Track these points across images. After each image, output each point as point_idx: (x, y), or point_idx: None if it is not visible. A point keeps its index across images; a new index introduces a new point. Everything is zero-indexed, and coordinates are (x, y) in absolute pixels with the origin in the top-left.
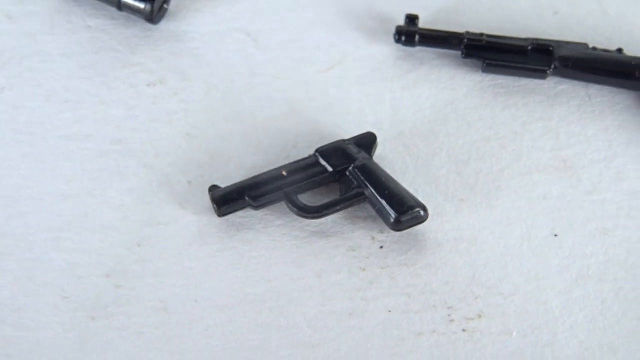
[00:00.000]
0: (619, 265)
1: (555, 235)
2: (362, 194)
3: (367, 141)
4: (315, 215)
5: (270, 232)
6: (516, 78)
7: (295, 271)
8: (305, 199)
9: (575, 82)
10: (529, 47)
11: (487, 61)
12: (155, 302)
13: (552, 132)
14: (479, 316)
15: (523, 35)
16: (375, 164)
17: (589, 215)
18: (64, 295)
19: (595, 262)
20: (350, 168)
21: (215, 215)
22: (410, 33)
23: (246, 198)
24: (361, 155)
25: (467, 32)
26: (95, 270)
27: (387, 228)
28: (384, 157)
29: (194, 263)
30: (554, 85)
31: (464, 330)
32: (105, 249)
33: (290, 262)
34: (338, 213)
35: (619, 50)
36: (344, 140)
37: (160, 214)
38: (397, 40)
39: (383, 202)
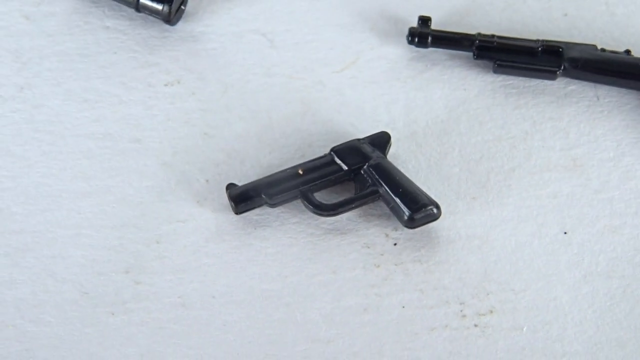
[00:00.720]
0: (627, 262)
1: (565, 233)
2: (377, 192)
3: (381, 140)
4: (331, 213)
5: (287, 230)
6: (527, 79)
7: (311, 268)
8: (321, 197)
9: (585, 83)
10: (539, 49)
11: (498, 62)
12: (174, 298)
13: (562, 131)
14: (491, 312)
15: (533, 37)
16: (390, 163)
17: (598, 214)
18: (83, 291)
19: (604, 259)
20: (365, 167)
21: (233, 213)
22: (423, 35)
23: (263, 196)
24: (375, 155)
25: (479, 34)
26: (114, 267)
27: (401, 226)
28: (398, 156)
29: (212, 260)
30: (563, 86)
31: (476, 325)
32: (124, 245)
33: (306, 258)
34: (353, 211)
35: (627, 51)
36: (358, 140)
37: (179, 212)
38: (410, 42)
39: (397, 200)
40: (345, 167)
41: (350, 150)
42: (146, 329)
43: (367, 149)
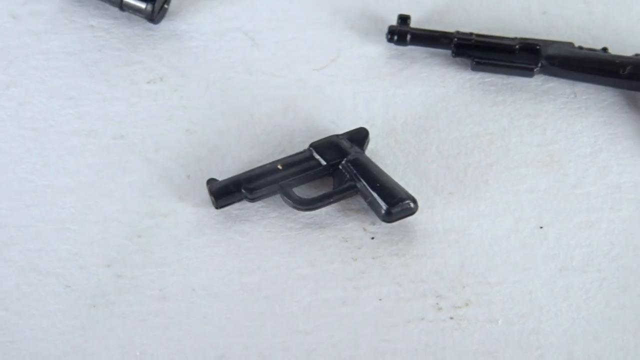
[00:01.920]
0: (603, 256)
1: (542, 227)
2: (355, 187)
3: (359, 136)
4: (310, 207)
5: (266, 224)
6: (505, 76)
7: (290, 261)
8: (300, 192)
9: (562, 80)
10: (517, 47)
11: (476, 60)
12: (155, 291)
13: (540, 128)
14: (467, 304)
15: (512, 35)
16: (368, 158)
17: (575, 209)
18: (66, 284)
19: (580, 253)
20: (344, 162)
21: (213, 208)
22: (402, 33)
23: (243, 191)
24: (354, 150)
25: (457, 32)
26: (96, 261)
27: (378, 220)
28: (377, 152)
29: (193, 253)
30: (541, 83)
31: (451, 318)
32: (106, 240)
33: (285, 252)
34: (331, 205)
35: (604, 49)
36: (337, 136)
37: (160, 207)
38: (390, 40)
39: (375, 194)
40: (323, 162)
41: (329, 146)
42: (127, 321)
43: (346, 144)
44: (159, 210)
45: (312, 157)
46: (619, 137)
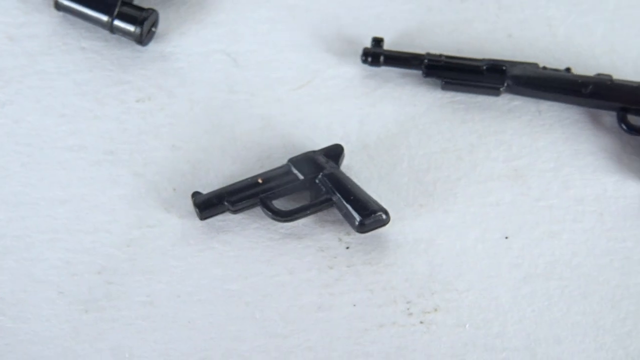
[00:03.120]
0: (565, 265)
1: (507, 237)
2: (330, 199)
3: (334, 152)
4: (288, 218)
5: (247, 234)
6: (473, 95)
7: (269, 269)
8: (279, 204)
9: (527, 99)
10: (484, 67)
11: (445, 80)
12: (143, 297)
13: (506, 144)
14: (436, 310)
15: (479, 57)
16: (342, 173)
17: (538, 220)
18: (59, 290)
19: (543, 262)
20: (320, 176)
21: (198, 219)
22: (376, 54)
23: (225, 203)
24: (329, 165)
25: (428, 54)
26: (88, 268)
27: (352, 231)
28: (351, 167)
29: (178, 262)
30: (507, 102)
31: (421, 322)
32: (97, 249)
33: (265, 261)
34: (308, 217)
35: (567, 69)
36: (314, 152)
37: (148, 218)
38: (364, 61)
39: (349, 207)
40: (301, 177)
41: (306, 161)
42: (117, 325)
43: (322, 160)
44: (147, 222)
45: (291, 172)
46: (582, 153)
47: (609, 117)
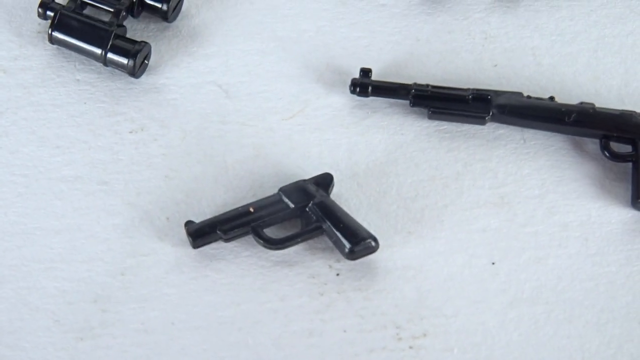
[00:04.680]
0: (551, 290)
1: (493, 263)
2: (321, 227)
3: (324, 181)
4: (279, 246)
5: (240, 262)
6: (459, 124)
7: (261, 296)
8: (270, 232)
9: (512, 127)
10: (470, 97)
11: (432, 109)
12: (137, 325)
13: (491, 172)
14: (424, 335)
15: (466, 86)
16: (332, 201)
17: (524, 246)
18: (55, 319)
19: (529, 287)
20: (310, 205)
21: (191, 248)
22: (364, 85)
23: (218, 232)
24: (319, 194)
25: (415, 84)
26: (83, 297)
27: (342, 258)
28: (340, 195)
29: (172, 290)
30: (493, 130)
31: (410, 347)
32: (92, 277)
33: (257, 288)
34: (299, 245)
35: (551, 98)
36: (304, 181)
37: (142, 247)
38: (353, 92)
39: (339, 234)
40: (292, 205)
41: (297, 190)
42: (112, 353)
43: (312, 188)
44: (141, 250)
45: (281, 201)
46: (566, 180)
47: (592, 145)
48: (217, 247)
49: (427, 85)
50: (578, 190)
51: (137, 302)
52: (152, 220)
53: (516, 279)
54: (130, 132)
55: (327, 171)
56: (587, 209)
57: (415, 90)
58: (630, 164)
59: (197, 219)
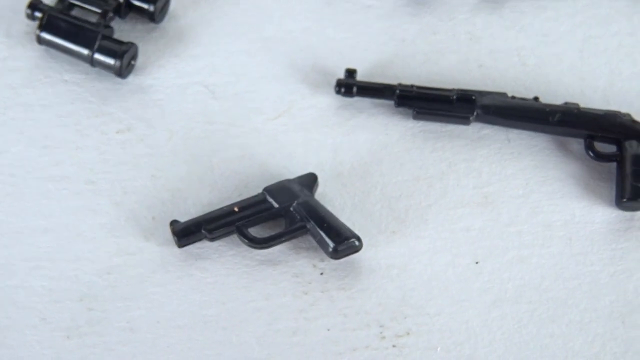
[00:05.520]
0: (534, 289)
1: (477, 262)
2: (305, 227)
3: (308, 181)
4: (264, 245)
5: (224, 261)
6: (443, 124)
7: (245, 295)
8: (255, 231)
9: (497, 128)
10: (454, 97)
11: (417, 110)
12: (123, 323)
13: (475, 171)
14: (408, 334)
15: (451, 86)
16: (316, 201)
17: (507, 245)
18: (42, 317)
19: (512, 286)
20: (294, 204)
21: (176, 247)
22: (349, 85)
23: (203, 231)
24: (303, 194)
25: (400, 84)
26: (70, 296)
27: (326, 257)
28: (325, 194)
29: (157, 288)
30: (477, 131)
31: (394, 346)
32: (79, 276)
33: (241, 287)
34: (283, 244)
35: (536, 98)
36: (288, 180)
37: (128, 246)
38: (338, 92)
39: (323, 234)
40: (276, 205)
41: (281, 190)
42: (98, 351)
43: (296, 188)
44: (127, 249)
45: (266, 200)
46: (550, 180)
47: (577, 145)
48: (202, 247)
49: (412, 86)
50: (562, 190)
51: (123, 300)
52: (138, 220)
53: (499, 278)
54: (117, 132)
55: (312, 171)
56: (571, 208)
57: (400, 90)
58: (614, 164)
59: (183, 218)
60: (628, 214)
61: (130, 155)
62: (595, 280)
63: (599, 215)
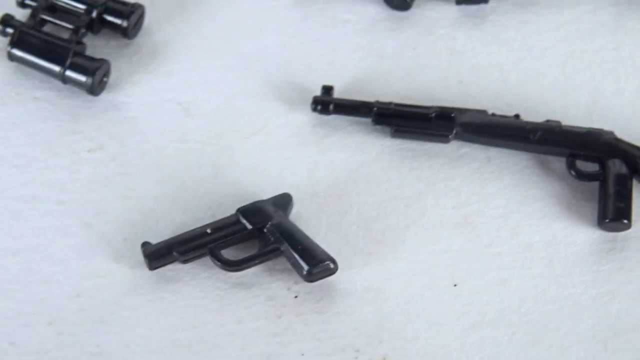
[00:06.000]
0: (514, 312)
1: (455, 285)
2: (279, 249)
3: (283, 201)
4: (237, 268)
5: (197, 284)
6: (422, 142)
7: (218, 319)
8: (228, 253)
9: (476, 146)
10: (433, 115)
11: (395, 128)
12: (93, 347)
13: (455, 191)
14: (384, 359)
15: (430, 103)
16: (290, 222)
17: (487, 267)
18: (10, 341)
19: (492, 309)
20: (268, 226)
21: (148, 269)
22: (325, 103)
23: (174, 253)
24: (277, 215)
25: (377, 102)
26: (39, 319)
27: (301, 279)
28: (300, 215)
29: (128, 312)
30: (457, 149)
31: None
32: (48, 299)
33: (214, 310)
34: (257, 266)
35: (516, 116)
36: (262, 201)
37: (98, 268)
38: (314, 110)
39: (297, 256)
40: (249, 226)
41: (254, 211)
42: None
43: (270, 209)
44: (97, 272)
45: (239, 222)
46: (531, 199)
47: (558, 163)
48: (174, 269)
49: (390, 103)
50: (543, 210)
51: (93, 324)
52: (109, 241)
53: (478, 301)
54: (89, 151)
55: (287, 191)
56: (552, 229)
57: (378, 108)
58: (597, 183)
59: (155, 239)
60: (611, 234)
61: (102, 175)
62: (577, 303)
63: (581, 236)
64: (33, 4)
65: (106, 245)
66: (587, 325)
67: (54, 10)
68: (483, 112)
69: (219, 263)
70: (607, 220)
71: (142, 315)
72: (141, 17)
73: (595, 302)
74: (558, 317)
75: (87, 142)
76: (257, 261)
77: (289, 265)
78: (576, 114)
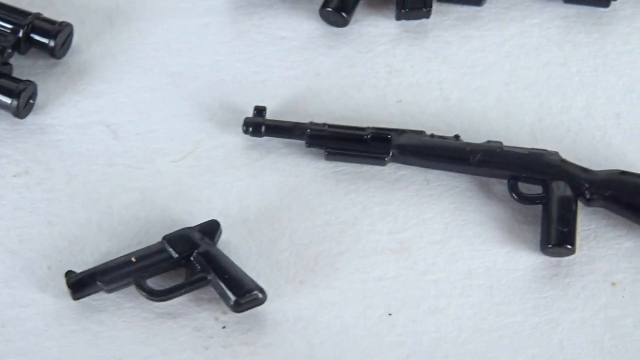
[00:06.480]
0: (451, 342)
1: (390, 314)
2: (205, 278)
3: (210, 228)
4: (162, 298)
5: (122, 314)
6: (357, 165)
7: (143, 350)
8: (154, 282)
9: (414, 168)
10: (368, 136)
11: (328, 150)
12: None
13: (391, 215)
14: None
15: (367, 124)
16: (218, 250)
17: (423, 295)
18: None
19: (428, 339)
20: (195, 254)
21: (72, 299)
22: (257, 124)
23: (98, 283)
24: (204, 242)
25: (311, 123)
26: None
27: (229, 310)
28: (230, 242)
29: (52, 343)
30: (394, 171)
31: None
32: None
33: (139, 341)
34: (184, 296)
35: (456, 136)
36: (189, 228)
37: (22, 297)
38: (245, 132)
39: (224, 286)
40: (175, 255)
41: (180, 239)
42: None
43: (197, 237)
44: (21, 301)
45: (165, 250)
46: (471, 223)
47: (500, 186)
48: (99, 298)
49: (324, 125)
50: (484, 234)
51: (17, 355)
52: (34, 270)
53: (414, 331)
54: (14, 176)
55: (217, 217)
56: (493, 254)
57: (311, 130)
58: (540, 207)
59: (80, 267)
60: (554, 260)
61: (28, 201)
62: (517, 332)
63: (522, 262)
64: None
65: (31, 273)
66: (528, 355)
67: None
68: (421, 133)
69: (144, 293)
70: (550, 246)
71: (66, 346)
72: (69, 35)
73: (537, 331)
74: (497, 347)
75: (12, 167)
76: (183, 291)
77: (217, 294)
78: (520, 133)
